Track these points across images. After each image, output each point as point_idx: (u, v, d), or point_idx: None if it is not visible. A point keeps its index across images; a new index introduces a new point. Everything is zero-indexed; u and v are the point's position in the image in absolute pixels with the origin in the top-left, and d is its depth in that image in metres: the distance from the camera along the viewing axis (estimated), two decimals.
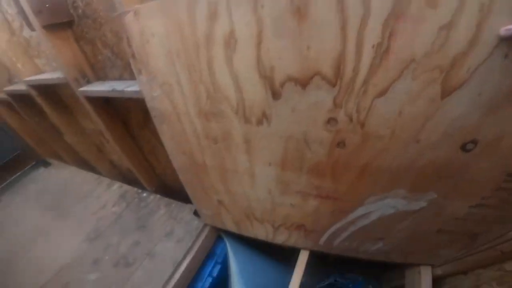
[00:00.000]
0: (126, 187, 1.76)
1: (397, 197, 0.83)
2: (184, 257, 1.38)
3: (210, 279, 1.51)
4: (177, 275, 1.34)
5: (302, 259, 1.28)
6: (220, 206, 1.17)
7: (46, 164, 2.21)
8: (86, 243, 1.54)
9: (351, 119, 0.68)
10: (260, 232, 1.26)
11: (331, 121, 0.71)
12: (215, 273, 1.53)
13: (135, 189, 1.74)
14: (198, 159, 0.99)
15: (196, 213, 1.51)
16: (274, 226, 1.15)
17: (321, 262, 1.78)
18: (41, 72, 1.59)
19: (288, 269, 1.79)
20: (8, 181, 2.17)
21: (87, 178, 1.91)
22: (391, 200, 0.84)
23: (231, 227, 1.34)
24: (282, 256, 1.90)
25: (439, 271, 1.21)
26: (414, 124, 0.63)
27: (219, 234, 1.57)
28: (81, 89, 1.30)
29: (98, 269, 1.42)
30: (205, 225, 1.49)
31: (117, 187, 1.78)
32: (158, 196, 1.67)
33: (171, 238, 1.46)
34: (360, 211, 0.90)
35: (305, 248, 1.28)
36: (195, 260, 1.41)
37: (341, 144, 0.75)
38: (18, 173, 2.22)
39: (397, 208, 0.86)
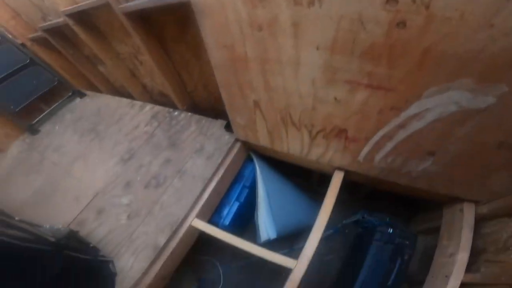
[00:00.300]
0: (157, 107, 1.77)
1: (461, 88, 0.72)
2: (214, 174, 1.37)
3: (237, 204, 1.50)
4: (205, 195, 1.34)
5: (336, 180, 1.22)
6: (256, 109, 1.12)
7: (81, 94, 2.26)
8: (120, 164, 1.57)
9: (414, 0, 0.59)
10: (295, 144, 1.20)
11: (390, 1, 0.62)
12: (242, 198, 1.52)
13: (167, 108, 1.74)
14: (239, 51, 0.92)
15: (228, 126, 1.47)
16: (311, 133, 1.08)
17: (350, 197, 1.73)
18: (76, 3, 1.57)
19: (314, 204, 1.76)
20: (46, 112, 2.23)
21: (121, 103, 1.93)
22: (455, 93, 0.74)
23: (263, 139, 1.30)
24: (307, 191, 1.87)
25: (484, 209, 1.09)
26: (488, 7, 0.54)
27: (248, 155, 1.54)
28: (121, 5, 1.27)
29: (129, 192, 1.45)
30: (236, 140, 1.46)
31: (149, 108, 1.79)
32: (189, 114, 1.67)
33: (201, 155, 1.45)
34: (415, 108, 0.80)
35: (340, 168, 1.21)
36: (224, 179, 1.40)
37: (401, 24, 0.65)
38: (55, 104, 2.27)
39: (460, 104, 0.76)
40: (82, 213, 1.43)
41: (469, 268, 1.00)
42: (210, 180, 1.35)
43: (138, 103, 1.89)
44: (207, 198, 1.32)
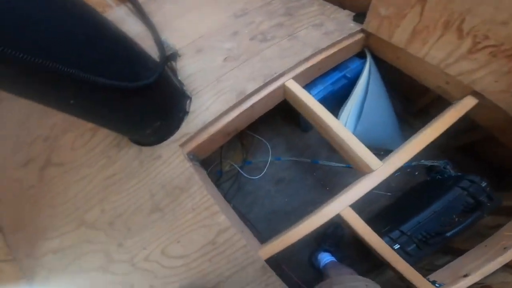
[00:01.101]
0: None
1: None
2: (326, 49, 1.27)
3: (330, 88, 1.39)
4: (309, 63, 1.25)
5: (462, 107, 1.01)
6: (417, 4, 0.97)
7: None
8: (231, 18, 1.51)
9: None
10: (440, 51, 1.02)
11: None
12: (337, 86, 1.40)
13: None
14: None
15: (357, 17, 1.31)
16: (476, 46, 0.90)
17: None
18: None
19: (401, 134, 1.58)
20: None
21: None
22: None
23: (399, 37, 1.13)
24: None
25: None
26: None
27: (362, 51, 1.38)
28: None
29: (234, 40, 1.39)
30: (361, 31, 1.29)
31: None
32: None
33: (318, 29, 1.34)
34: None
35: (478, 94, 1.00)
36: (332, 58, 1.30)
37: None
38: None
39: None
40: (181, 49, 1.41)
41: None
42: (320, 51, 1.25)
43: None
44: (310, 67, 1.24)
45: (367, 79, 1.33)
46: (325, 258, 1.45)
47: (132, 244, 1.05)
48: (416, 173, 1.72)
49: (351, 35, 1.28)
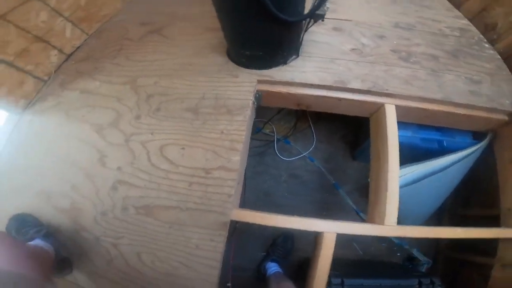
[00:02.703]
0: None
1: None
2: (457, 105, 1.03)
3: (417, 141, 1.20)
4: (428, 106, 1.03)
5: None
6: None
7: None
8: (390, 24, 1.27)
9: None
10: None
11: None
12: (423, 145, 1.19)
13: None
14: None
15: None
16: None
17: None
18: None
19: None
20: None
21: None
22: None
23: None
24: None
25: None
26: None
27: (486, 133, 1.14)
28: None
29: (375, 40, 1.18)
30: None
31: None
32: None
33: (469, 83, 1.06)
34: None
35: None
36: (453, 118, 1.07)
37: None
38: None
39: None
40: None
41: None
42: (448, 103, 1.02)
43: None
44: (421, 109, 1.02)
45: (457, 162, 1.09)
46: (271, 268, 1.36)
47: (146, 122, 1.03)
48: (398, 254, 1.54)
49: (495, 110, 1.02)
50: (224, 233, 0.82)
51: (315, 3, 0.88)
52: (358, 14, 1.30)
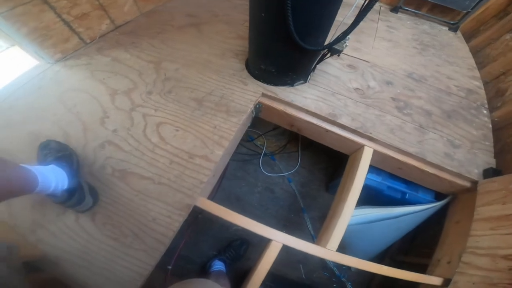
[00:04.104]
0: None
1: None
2: (429, 164, 1.03)
3: (383, 188, 1.21)
4: (402, 158, 1.03)
5: None
6: None
7: None
8: (403, 73, 1.31)
9: None
10: None
11: None
12: (388, 193, 1.20)
13: None
14: None
15: (486, 172, 1.01)
16: None
17: None
18: None
19: None
20: None
21: None
22: None
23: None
24: None
25: None
26: None
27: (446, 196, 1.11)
28: None
29: (382, 86, 1.22)
30: (472, 183, 1.01)
31: None
32: None
33: (448, 146, 1.06)
34: None
35: None
36: (421, 176, 1.06)
37: None
38: None
39: None
40: (345, 53, 1.30)
41: None
42: (421, 160, 1.03)
43: None
44: (396, 160, 1.02)
45: (412, 213, 1.08)
46: (216, 265, 1.29)
47: (155, 99, 1.02)
48: (335, 285, 1.46)
49: (461, 176, 0.99)
50: (184, 214, 0.77)
51: (334, 38, 0.92)
52: (378, 58, 1.32)
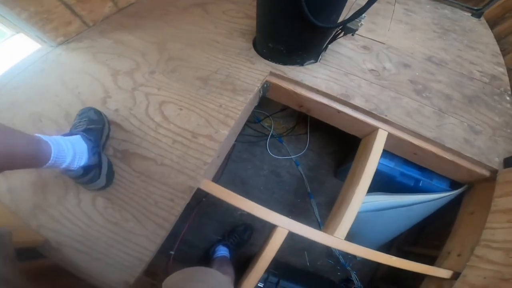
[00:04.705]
0: None
1: None
2: (446, 150, 0.93)
3: (396, 174, 1.13)
4: (419, 143, 0.92)
5: None
6: None
7: None
8: (423, 56, 1.19)
9: None
10: None
11: None
12: (401, 179, 1.11)
13: None
14: None
15: (508, 161, 0.90)
16: None
17: None
18: None
19: None
20: None
21: None
22: None
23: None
24: None
25: None
26: None
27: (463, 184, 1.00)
28: None
29: (398, 67, 1.10)
30: (492, 172, 0.90)
31: None
32: None
33: (468, 132, 0.96)
34: None
35: None
36: (438, 161, 0.96)
37: None
38: None
39: None
40: (359, 34, 1.19)
41: None
42: (437, 144, 0.93)
43: None
44: (411, 144, 0.92)
45: (424, 202, 1.00)
46: (220, 251, 1.22)
47: (158, 79, 0.94)
48: (339, 273, 1.40)
49: (480, 164, 0.88)
50: (187, 197, 0.70)
51: (348, 17, 0.83)
52: (395, 40, 1.20)
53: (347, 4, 0.81)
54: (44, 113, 0.85)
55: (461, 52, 1.25)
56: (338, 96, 0.91)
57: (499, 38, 1.52)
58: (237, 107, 0.86)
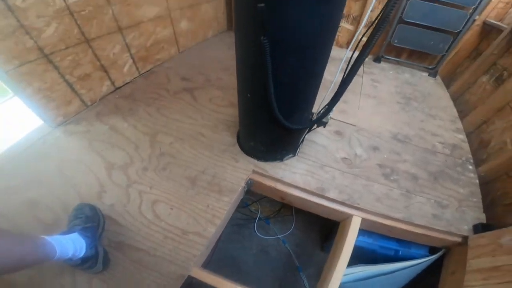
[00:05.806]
0: None
1: None
2: (417, 226, 1.02)
3: (375, 247, 1.18)
4: (391, 223, 1.03)
5: None
6: None
7: None
8: (390, 135, 1.34)
9: None
10: None
11: None
12: (380, 251, 1.18)
13: None
14: None
15: (477, 228, 0.99)
16: None
17: None
18: None
19: None
20: None
21: None
22: None
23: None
24: None
25: None
26: None
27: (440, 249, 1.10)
28: None
29: (369, 152, 1.23)
30: (462, 238, 1.00)
31: None
32: None
33: (435, 208, 1.05)
34: None
35: None
36: (411, 235, 1.04)
37: None
38: None
39: None
40: (333, 120, 1.34)
41: None
42: (409, 223, 1.02)
43: None
44: (385, 225, 1.02)
45: (406, 268, 1.07)
46: None
47: (150, 176, 1.06)
48: None
49: (451, 234, 1.00)
50: (178, 284, 0.78)
51: (319, 114, 0.93)
52: (365, 121, 1.36)
53: (322, 82, 0.90)
54: (41, 200, 0.93)
55: (423, 123, 1.42)
56: (314, 191, 1.07)
57: (455, 97, 1.71)
58: (223, 207, 0.99)
